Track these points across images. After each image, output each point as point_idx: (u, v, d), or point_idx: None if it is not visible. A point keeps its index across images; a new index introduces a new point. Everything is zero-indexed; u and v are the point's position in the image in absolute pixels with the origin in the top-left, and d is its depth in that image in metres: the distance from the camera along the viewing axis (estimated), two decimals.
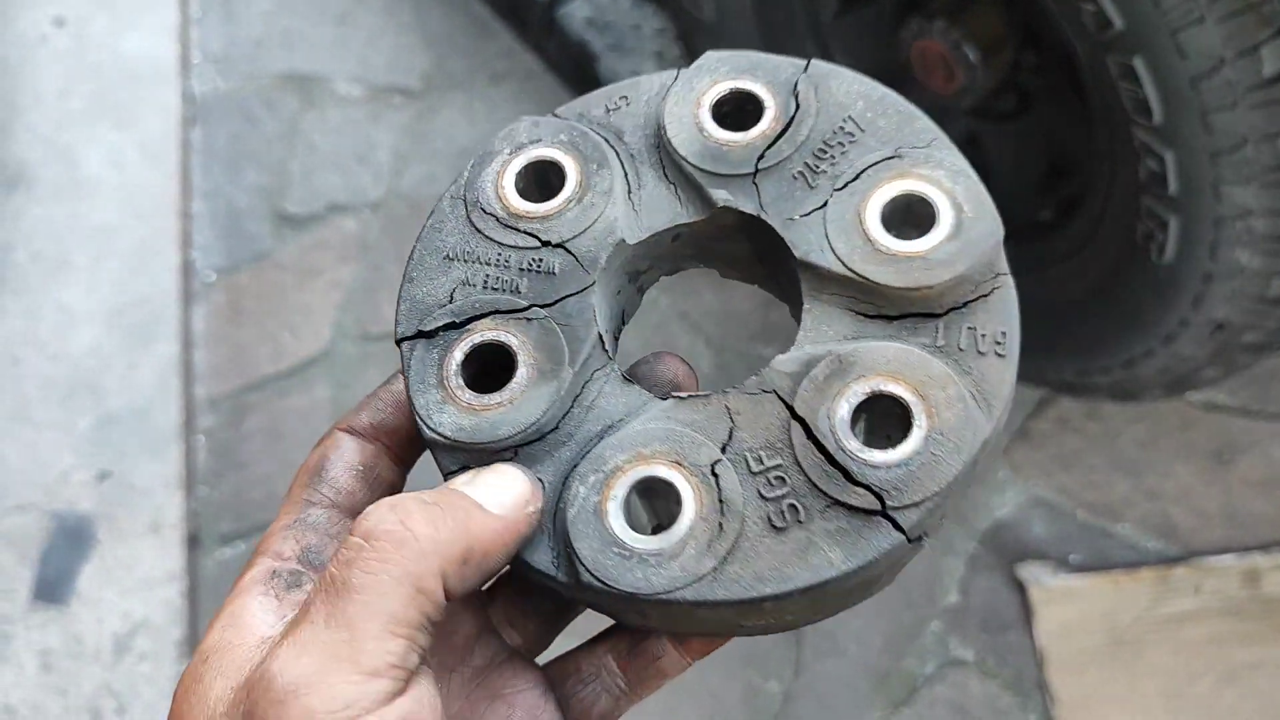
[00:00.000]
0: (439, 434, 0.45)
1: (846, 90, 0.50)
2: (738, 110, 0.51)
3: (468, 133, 1.95)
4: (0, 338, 1.82)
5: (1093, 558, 1.45)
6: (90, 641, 1.60)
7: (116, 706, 1.54)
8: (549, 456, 0.45)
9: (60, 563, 1.65)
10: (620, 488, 0.42)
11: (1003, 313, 0.45)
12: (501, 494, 0.43)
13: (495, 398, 0.45)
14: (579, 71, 1.87)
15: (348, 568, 0.39)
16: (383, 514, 0.40)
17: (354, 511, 0.48)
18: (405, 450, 0.51)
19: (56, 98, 2.04)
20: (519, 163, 0.50)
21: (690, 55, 1.66)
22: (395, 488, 0.50)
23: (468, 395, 0.46)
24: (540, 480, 0.44)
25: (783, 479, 0.42)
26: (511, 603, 0.51)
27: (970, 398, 0.42)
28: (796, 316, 0.48)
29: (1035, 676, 1.40)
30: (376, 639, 0.38)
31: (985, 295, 0.45)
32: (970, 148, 1.45)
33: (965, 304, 0.45)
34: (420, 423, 0.45)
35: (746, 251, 0.52)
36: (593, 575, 0.41)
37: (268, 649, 0.40)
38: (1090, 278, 1.27)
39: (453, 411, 0.45)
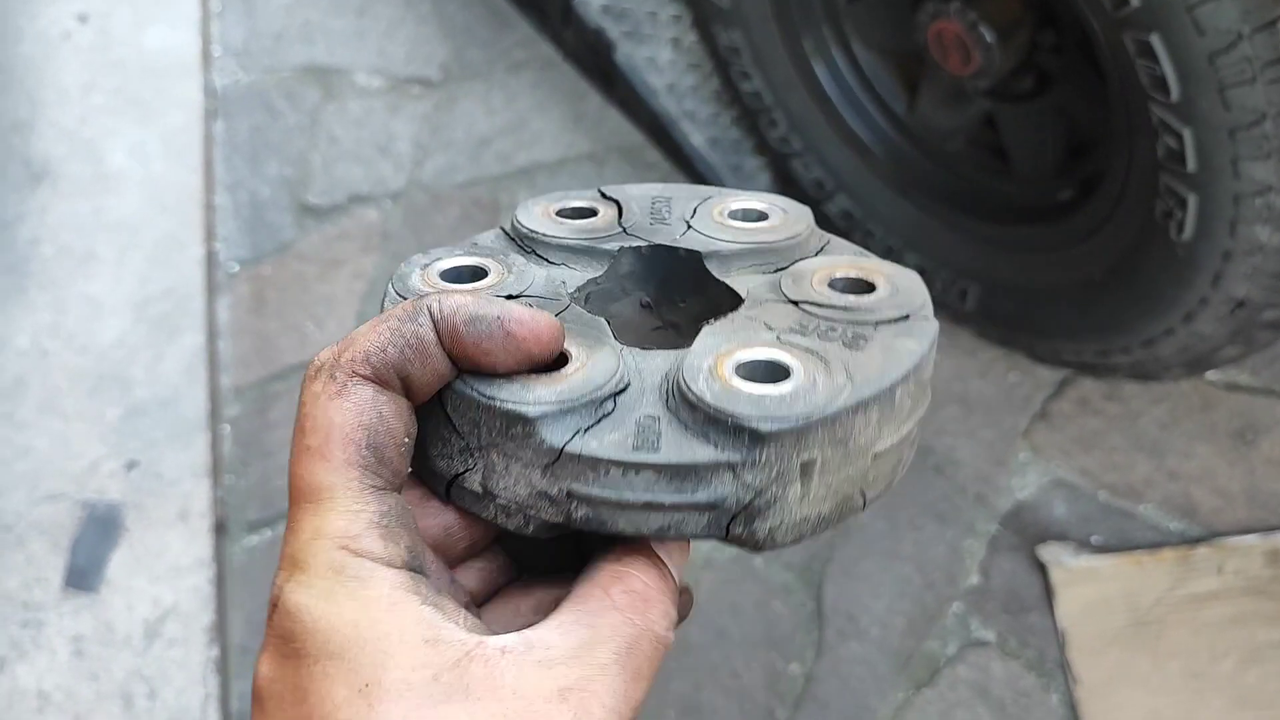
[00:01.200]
0: (544, 404, 0.42)
1: (641, 189, 0.60)
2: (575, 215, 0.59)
3: (487, 122, 1.96)
4: (29, 331, 1.85)
5: (1114, 538, 1.45)
6: (121, 628, 1.62)
7: (148, 691, 1.57)
8: (638, 404, 0.44)
9: (91, 551, 1.68)
10: (728, 368, 0.43)
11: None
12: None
13: (569, 367, 0.44)
14: (596, 59, 1.88)
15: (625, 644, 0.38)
16: (665, 612, 0.41)
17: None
18: (421, 393, 0.44)
19: (80, 93, 2.06)
20: (438, 266, 0.52)
21: (706, 42, 1.66)
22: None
23: (542, 375, 0.44)
24: None
25: (831, 328, 0.47)
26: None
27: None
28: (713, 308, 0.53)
29: (1057, 657, 1.40)
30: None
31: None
32: (988, 129, 1.45)
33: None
34: (514, 409, 0.42)
35: (634, 309, 0.56)
36: (763, 421, 0.41)
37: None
38: (1109, 257, 1.27)
39: (538, 388, 0.43)
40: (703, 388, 0.42)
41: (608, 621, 0.38)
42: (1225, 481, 1.45)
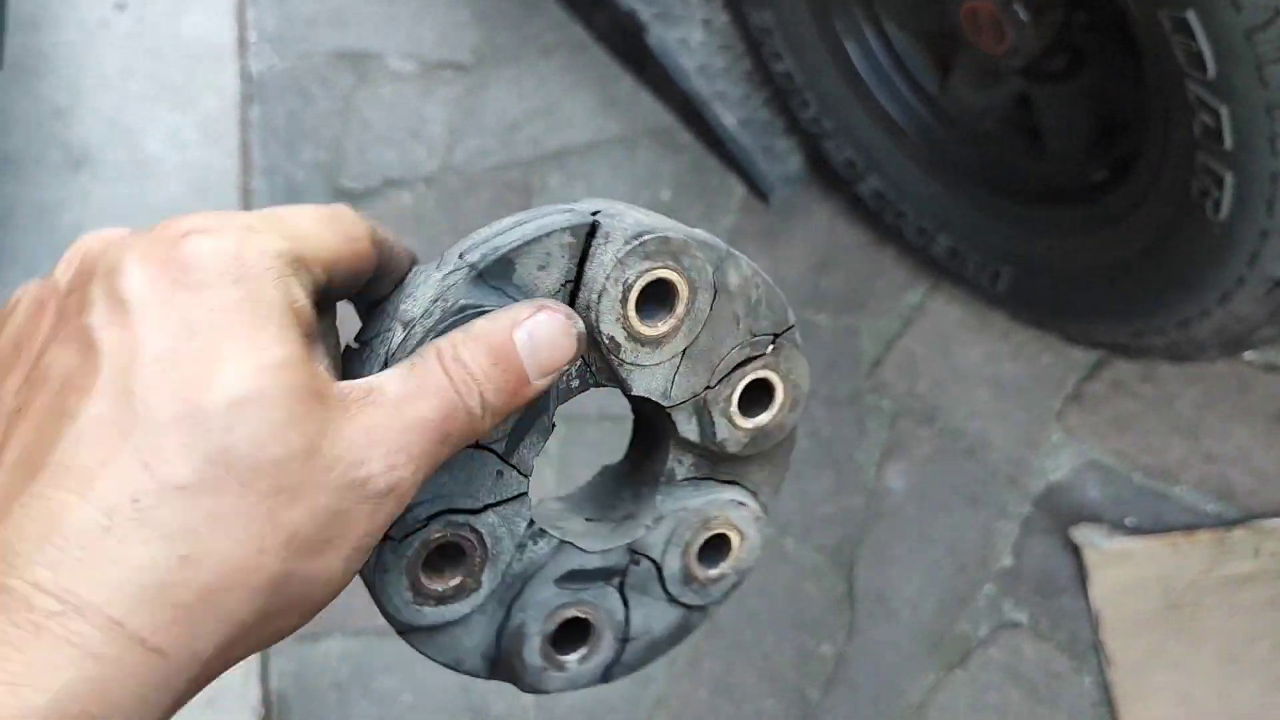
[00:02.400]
0: None
1: None
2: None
3: (518, 106, 1.96)
4: None
5: (1149, 520, 1.44)
6: None
7: None
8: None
9: None
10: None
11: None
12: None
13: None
14: (627, 42, 1.88)
15: None
16: (481, 400, 0.42)
17: None
18: None
19: (119, 80, 2.09)
20: None
21: (738, 23, 1.66)
22: None
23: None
24: None
25: None
26: None
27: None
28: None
29: (1090, 639, 1.40)
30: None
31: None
32: (1021, 109, 1.44)
33: None
34: None
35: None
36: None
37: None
38: (1144, 237, 1.26)
39: None
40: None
41: (434, 384, 0.40)
42: (1262, 463, 1.44)
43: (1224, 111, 1.04)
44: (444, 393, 0.39)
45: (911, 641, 1.45)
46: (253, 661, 1.59)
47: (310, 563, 0.36)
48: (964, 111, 1.49)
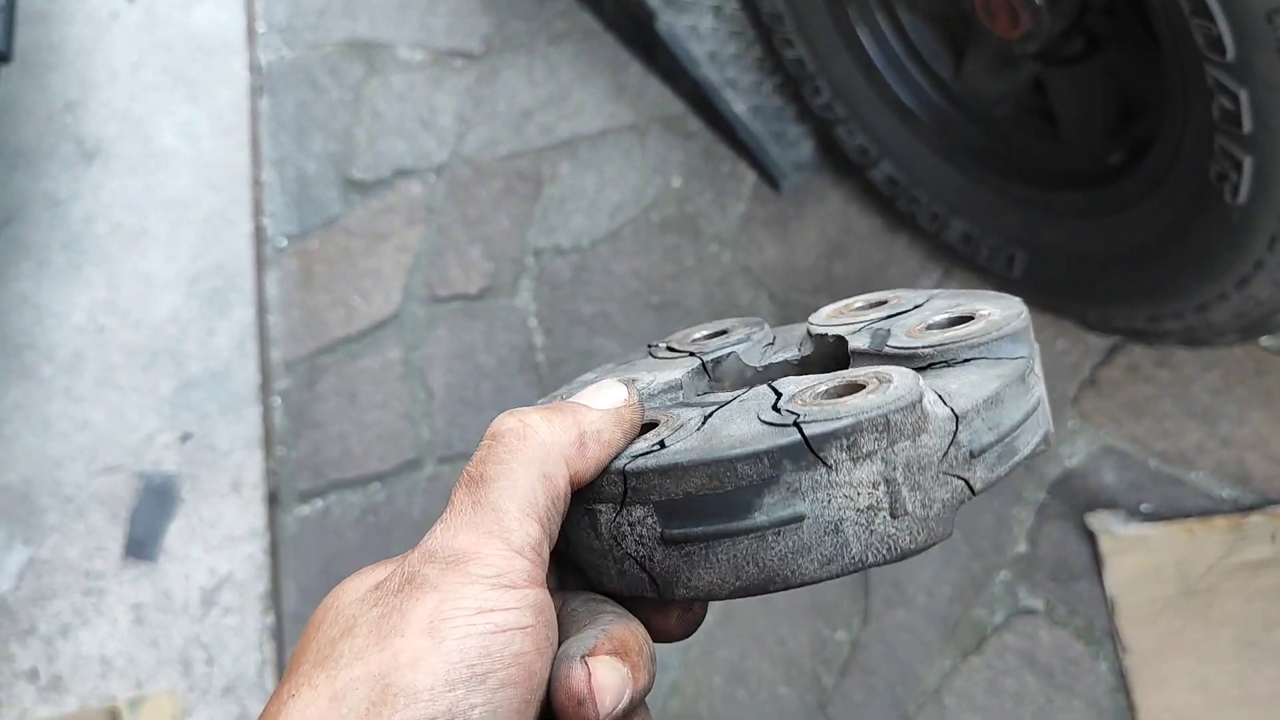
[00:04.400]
0: None
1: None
2: None
3: (529, 94, 1.96)
4: (85, 307, 1.89)
5: (1165, 506, 1.44)
6: (179, 596, 1.67)
7: (206, 658, 1.61)
8: None
9: (148, 521, 1.72)
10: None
11: None
12: (603, 397, 0.49)
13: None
14: (637, 29, 1.87)
15: (483, 464, 0.45)
16: (505, 418, 0.46)
17: None
18: None
19: (129, 72, 2.09)
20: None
21: (748, 9, 1.65)
22: None
23: None
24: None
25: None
26: None
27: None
28: None
29: (1106, 625, 1.40)
30: (519, 520, 0.43)
31: None
32: (1036, 93, 1.43)
33: None
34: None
35: None
36: None
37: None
38: (1162, 221, 1.25)
39: None
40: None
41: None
42: (1279, 448, 1.43)
43: (1243, 95, 1.03)
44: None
45: (927, 628, 1.45)
46: (268, 651, 1.60)
47: None
48: (978, 96, 1.48)
